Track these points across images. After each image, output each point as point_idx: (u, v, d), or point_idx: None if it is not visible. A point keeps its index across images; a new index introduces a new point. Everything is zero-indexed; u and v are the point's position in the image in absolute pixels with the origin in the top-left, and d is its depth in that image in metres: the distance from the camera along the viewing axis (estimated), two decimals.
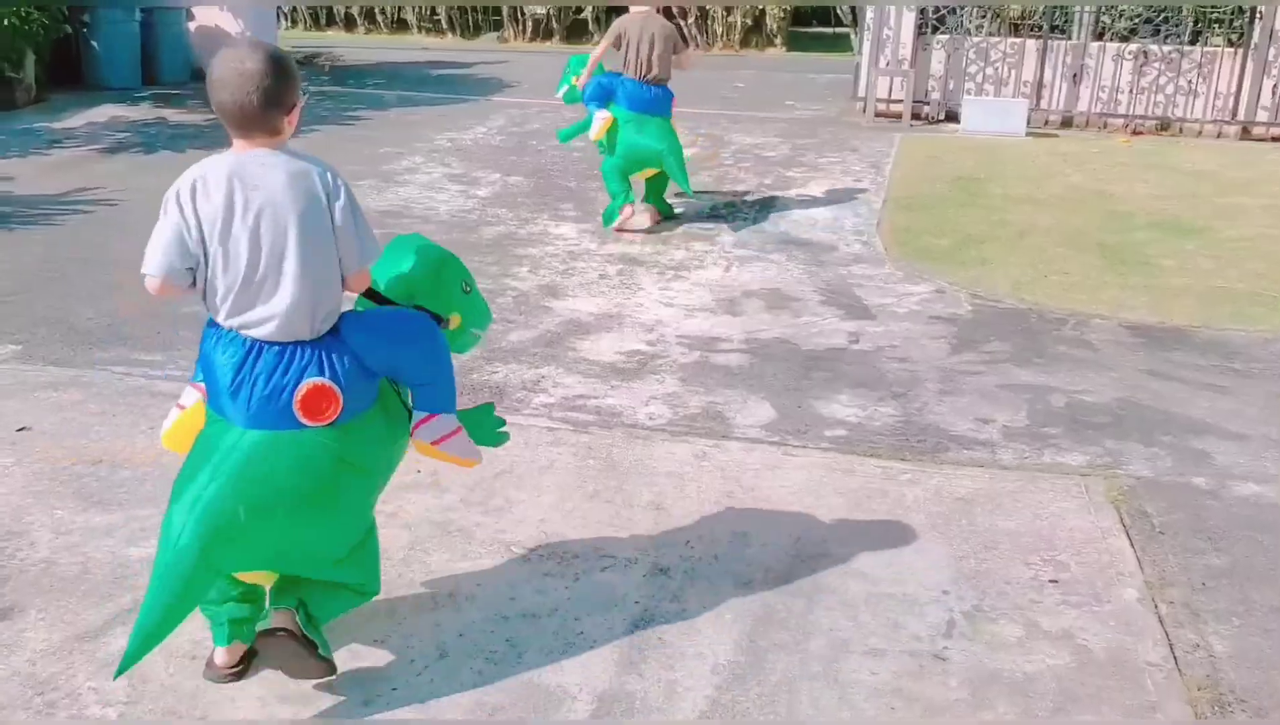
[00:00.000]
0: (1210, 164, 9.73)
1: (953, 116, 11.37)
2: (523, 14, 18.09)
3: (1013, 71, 11.43)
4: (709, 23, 17.67)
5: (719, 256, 6.81)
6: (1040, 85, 11.40)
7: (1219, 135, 11.08)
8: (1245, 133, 11.04)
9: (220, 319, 2.60)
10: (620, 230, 7.19)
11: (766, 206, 8.02)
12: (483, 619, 3.15)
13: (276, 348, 2.58)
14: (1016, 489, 4.02)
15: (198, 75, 12.54)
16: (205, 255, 2.56)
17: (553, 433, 4.33)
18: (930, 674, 3.00)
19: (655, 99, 7.09)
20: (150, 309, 5.49)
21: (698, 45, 17.47)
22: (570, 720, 2.78)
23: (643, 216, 7.30)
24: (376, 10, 18.86)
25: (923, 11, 11.45)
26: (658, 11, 7.26)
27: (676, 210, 7.71)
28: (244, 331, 2.58)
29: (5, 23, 10.12)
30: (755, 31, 17.75)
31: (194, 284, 2.60)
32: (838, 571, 3.44)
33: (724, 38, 17.67)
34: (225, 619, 2.80)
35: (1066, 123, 11.43)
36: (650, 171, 7.29)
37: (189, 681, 2.85)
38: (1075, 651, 3.10)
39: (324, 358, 2.61)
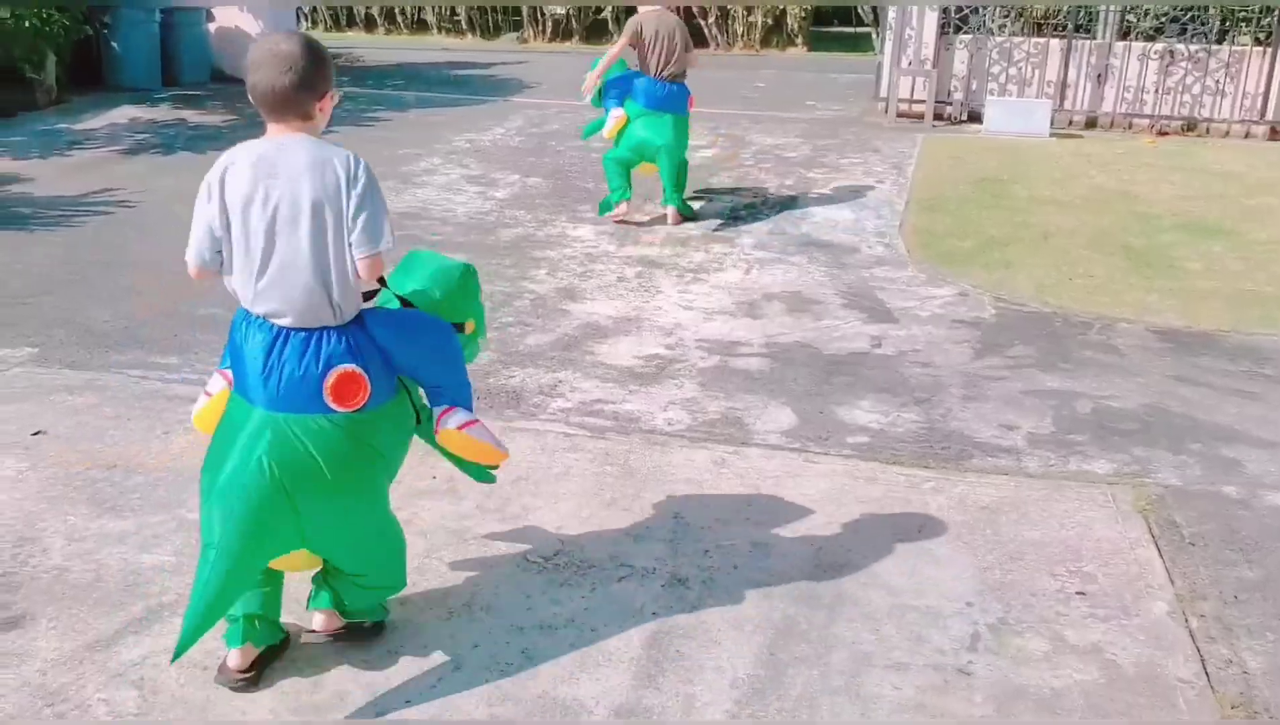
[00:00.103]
0: (1238, 165, 9.59)
1: (975, 117, 11.26)
2: (542, 14, 18.06)
3: (1036, 71, 11.31)
4: (730, 22, 17.60)
5: (739, 258, 6.75)
6: (1064, 85, 11.28)
7: (1246, 135, 10.94)
8: (1274, 133, 10.89)
9: (247, 305, 2.65)
10: (619, 221, 7.38)
11: (787, 208, 7.94)
12: (498, 630, 3.09)
13: (303, 334, 2.62)
14: (1042, 498, 3.95)
15: (217, 76, 12.60)
16: (230, 241, 2.61)
17: (569, 438, 4.28)
18: (954, 689, 2.93)
19: (670, 95, 7.13)
20: (166, 310, 5.49)
21: (717, 45, 17.41)
22: None
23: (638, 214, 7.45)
24: (396, 11, 18.87)
25: (945, 11, 11.34)
26: (673, 10, 7.31)
27: (695, 205, 7.70)
28: (271, 318, 2.62)
29: (26, 24, 10.15)
30: (776, 31, 17.68)
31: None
32: (860, 582, 3.38)
33: (745, 37, 17.60)
34: (240, 614, 2.81)
35: (1091, 123, 11.31)
36: (651, 168, 7.31)
37: (200, 693, 2.81)
38: (1104, 667, 3.03)
39: (352, 345, 2.65)
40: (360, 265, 2.62)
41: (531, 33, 18.27)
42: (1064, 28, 11.36)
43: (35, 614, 3.09)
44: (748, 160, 9.49)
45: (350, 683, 2.87)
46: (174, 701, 2.78)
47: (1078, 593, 3.37)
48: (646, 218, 7.50)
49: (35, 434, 4.16)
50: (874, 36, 16.41)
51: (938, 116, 11.34)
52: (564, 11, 17.88)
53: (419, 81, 13.19)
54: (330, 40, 17.86)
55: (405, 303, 2.89)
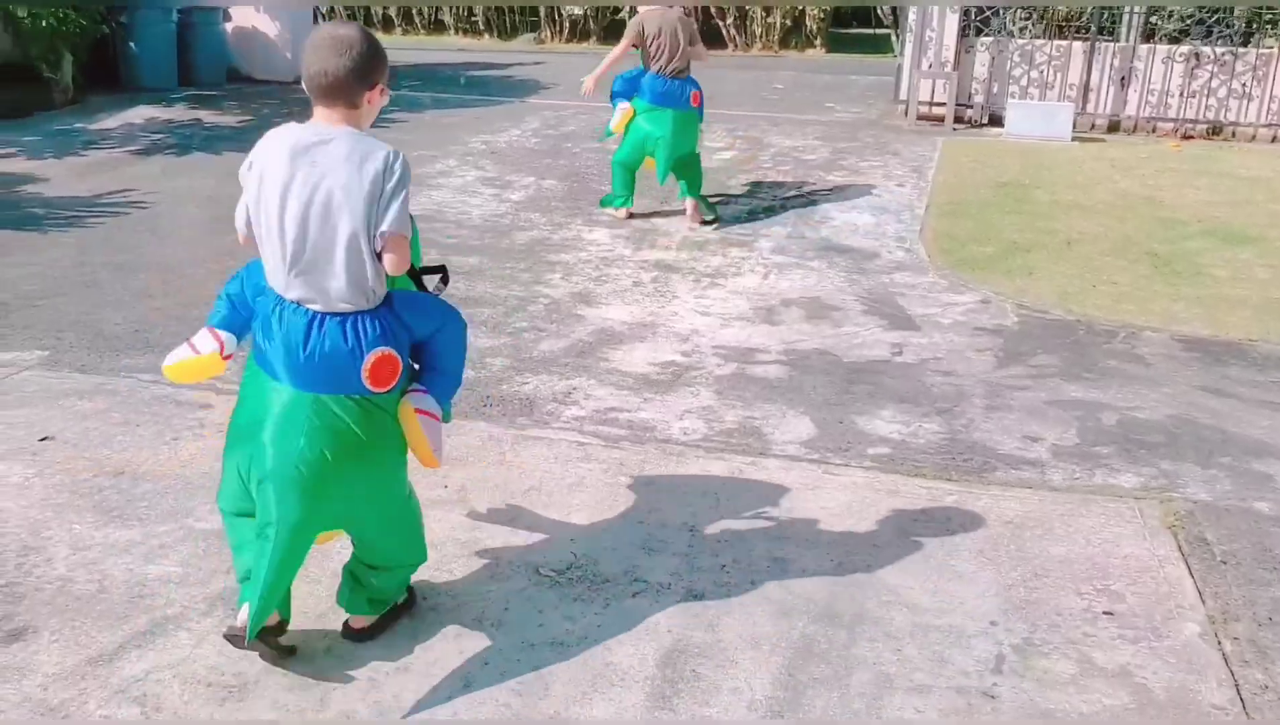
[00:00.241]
0: (1265, 170, 9.44)
1: (996, 120, 11.14)
2: (560, 14, 18.00)
3: (1058, 74, 11.18)
4: (748, 23, 17.50)
5: (757, 263, 6.66)
6: (1086, 88, 11.14)
7: (1274, 140, 10.77)
8: None
9: (280, 290, 2.68)
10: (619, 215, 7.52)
11: (806, 211, 7.85)
12: (509, 646, 3.02)
13: (339, 318, 2.66)
14: (1067, 512, 3.85)
15: (234, 77, 12.57)
16: (261, 224, 2.66)
17: (583, 448, 4.20)
18: (979, 713, 2.84)
19: (674, 91, 7.18)
20: (178, 314, 5.43)
21: (735, 46, 17.32)
22: None
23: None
24: (414, 11, 18.84)
25: (966, 13, 11.22)
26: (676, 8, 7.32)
27: (714, 202, 7.69)
28: (305, 304, 2.66)
29: (43, 23, 10.13)
30: (794, 32, 17.56)
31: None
32: (881, 600, 3.29)
33: (763, 38, 17.49)
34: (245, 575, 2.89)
35: (1113, 127, 11.16)
36: (652, 162, 7.33)
37: (203, 709, 2.74)
38: (1134, 691, 2.93)
39: (385, 328, 2.70)
40: (387, 241, 2.63)
41: (549, 33, 18.20)
42: (1087, 30, 11.23)
43: (38, 626, 3.03)
44: (766, 162, 9.39)
45: (358, 701, 2.80)
46: (176, 719, 2.71)
47: (1105, 612, 3.27)
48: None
49: (43, 439, 4.11)
50: (893, 38, 16.30)
51: (958, 119, 11.21)
52: (581, 12, 17.81)
53: (435, 82, 13.13)
54: None
55: (419, 274, 2.90)
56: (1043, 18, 11.47)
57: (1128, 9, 11.09)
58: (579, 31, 18.02)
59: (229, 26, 12.52)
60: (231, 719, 2.72)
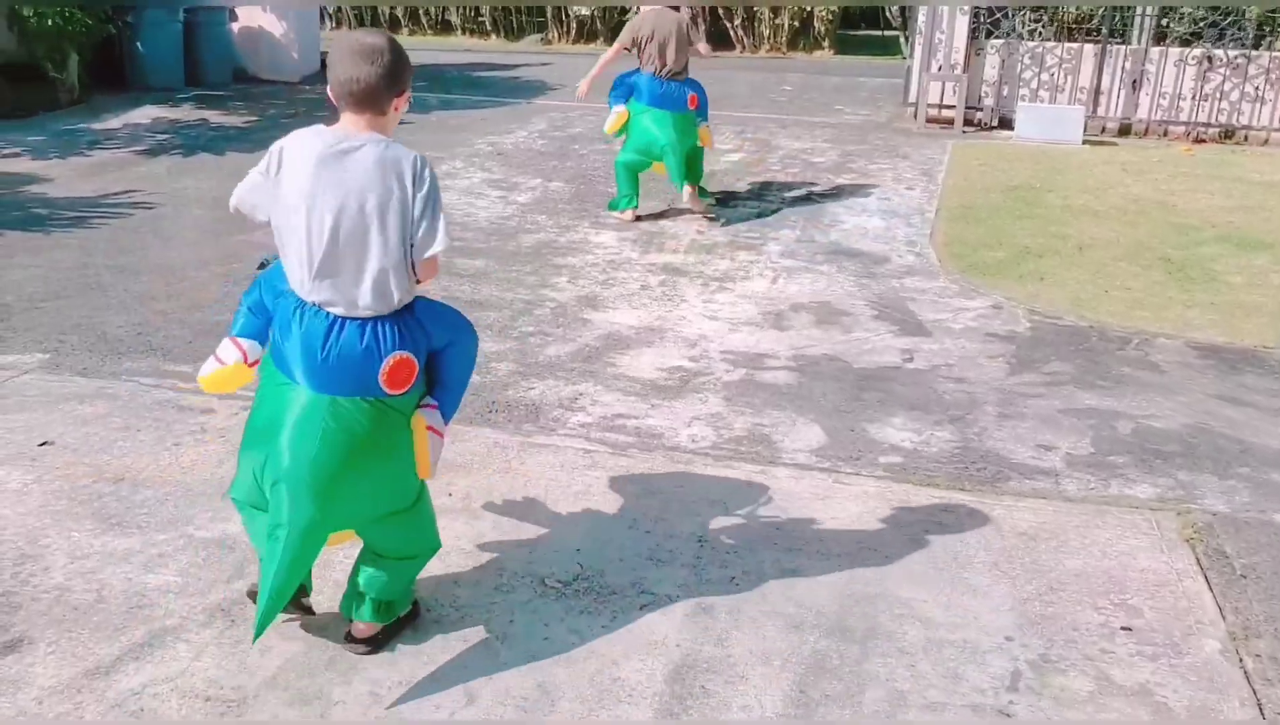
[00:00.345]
0: (1278, 174, 9.35)
1: (1006, 123, 11.06)
2: (567, 15, 17.93)
3: (1069, 77, 11.09)
4: (755, 25, 17.42)
5: (765, 267, 6.59)
6: (1097, 91, 11.05)
7: None
8: None
9: (302, 294, 2.69)
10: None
11: (815, 215, 7.78)
12: (514, 660, 2.95)
13: (359, 322, 2.68)
14: (1082, 524, 3.78)
15: (240, 77, 12.52)
16: (287, 229, 2.67)
17: (589, 456, 4.13)
18: None
19: (672, 93, 7.20)
20: (181, 317, 5.38)
21: (743, 48, 17.24)
22: None
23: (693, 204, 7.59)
24: (420, 11, 18.79)
25: (976, 15, 11.14)
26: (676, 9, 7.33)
27: (714, 207, 7.67)
28: (326, 307, 2.68)
29: (49, 22, 10.09)
30: (802, 34, 17.48)
31: (267, 222, 2.74)
32: (894, 614, 3.22)
33: (771, 40, 17.42)
34: None
35: (1124, 130, 11.08)
36: (661, 166, 7.35)
37: (202, 724, 2.68)
38: (1154, 710, 2.86)
39: (404, 332, 2.72)
40: (421, 267, 2.70)
41: (555, 34, 18.14)
42: (1097, 32, 11.14)
43: (34, 638, 2.97)
44: (774, 165, 9.32)
45: (359, 715, 2.73)
46: None
47: (1123, 628, 3.20)
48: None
49: (42, 444, 4.05)
50: (901, 40, 16.22)
51: (968, 122, 11.13)
52: (588, 12, 17.74)
53: (441, 83, 13.09)
54: None
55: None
56: (1053, 20, 11.38)
57: (1139, 11, 11.00)
58: (586, 32, 17.95)
59: (235, 26, 12.46)
60: None
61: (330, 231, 2.62)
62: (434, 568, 3.29)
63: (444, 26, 18.90)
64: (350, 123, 2.71)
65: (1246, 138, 10.80)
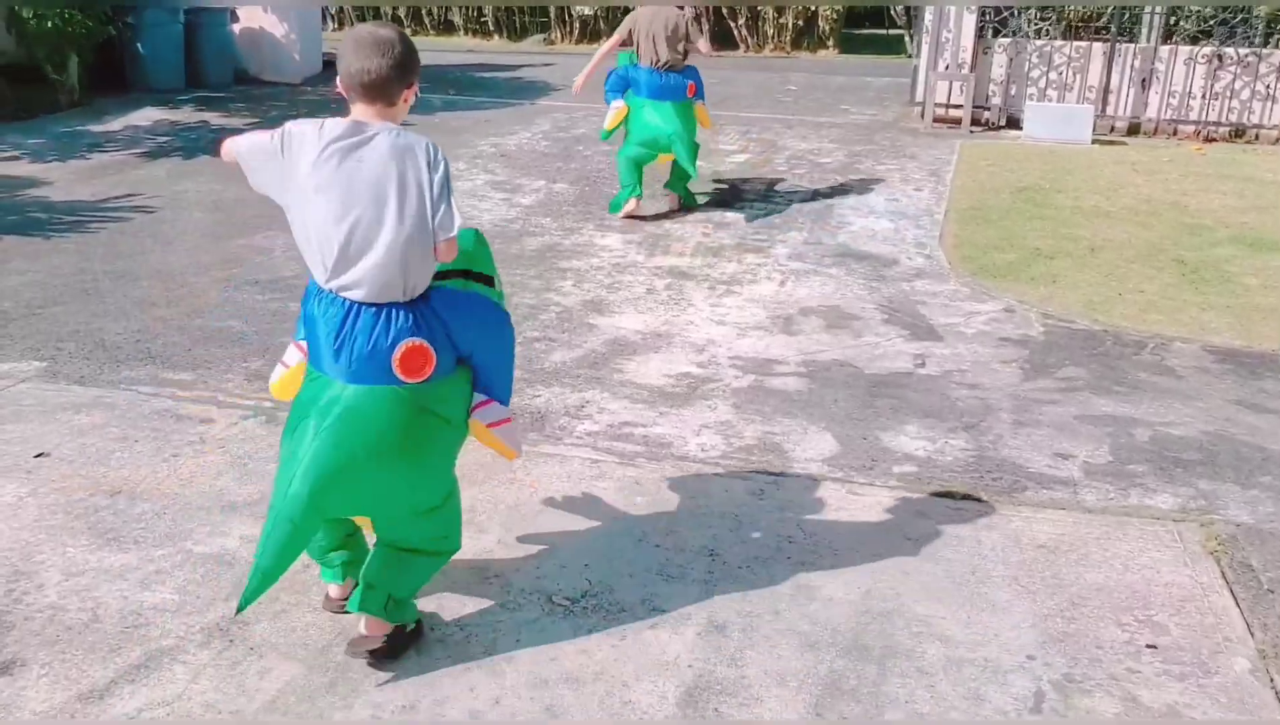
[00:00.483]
0: None
1: (1014, 123, 10.96)
2: (569, 15, 17.84)
3: (1077, 76, 10.98)
4: (760, 24, 17.33)
5: (773, 270, 6.50)
6: (1106, 90, 10.94)
7: None
8: None
9: (321, 282, 2.74)
10: (628, 216, 7.38)
11: (822, 216, 7.68)
12: (521, 682, 2.86)
13: (373, 309, 2.71)
14: (1102, 535, 3.68)
15: (241, 78, 12.43)
16: (298, 219, 2.71)
17: (597, 465, 4.04)
18: None
19: (670, 85, 7.19)
20: (180, 324, 5.29)
21: (747, 47, 17.14)
22: None
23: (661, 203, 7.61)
24: (423, 11, 18.70)
25: (983, 14, 11.04)
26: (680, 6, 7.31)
27: (718, 210, 7.51)
28: (343, 293, 2.71)
29: (49, 24, 10.01)
30: (807, 33, 17.38)
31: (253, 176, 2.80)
32: (911, 631, 3.12)
33: (775, 39, 17.32)
34: (338, 563, 3.05)
35: (1133, 130, 10.97)
36: (667, 157, 7.36)
37: None
38: None
39: (419, 320, 2.74)
40: (442, 246, 2.72)
41: (558, 34, 18.05)
42: (1106, 31, 11.03)
43: (26, 659, 2.88)
44: (781, 166, 9.22)
45: None
46: None
47: (1149, 645, 3.11)
48: (652, 213, 7.51)
49: (37, 456, 3.96)
50: (906, 39, 16.12)
51: (975, 122, 11.02)
52: (591, 12, 17.65)
53: (444, 83, 12.99)
54: None
55: (473, 276, 2.93)
56: (1061, 18, 11.27)
57: (1148, 9, 10.90)
58: (589, 32, 17.85)
59: (236, 27, 12.38)
60: None
61: (343, 221, 2.66)
62: (438, 584, 3.21)
63: (446, 26, 18.81)
64: (361, 113, 2.75)
65: (1257, 136, 10.69)
